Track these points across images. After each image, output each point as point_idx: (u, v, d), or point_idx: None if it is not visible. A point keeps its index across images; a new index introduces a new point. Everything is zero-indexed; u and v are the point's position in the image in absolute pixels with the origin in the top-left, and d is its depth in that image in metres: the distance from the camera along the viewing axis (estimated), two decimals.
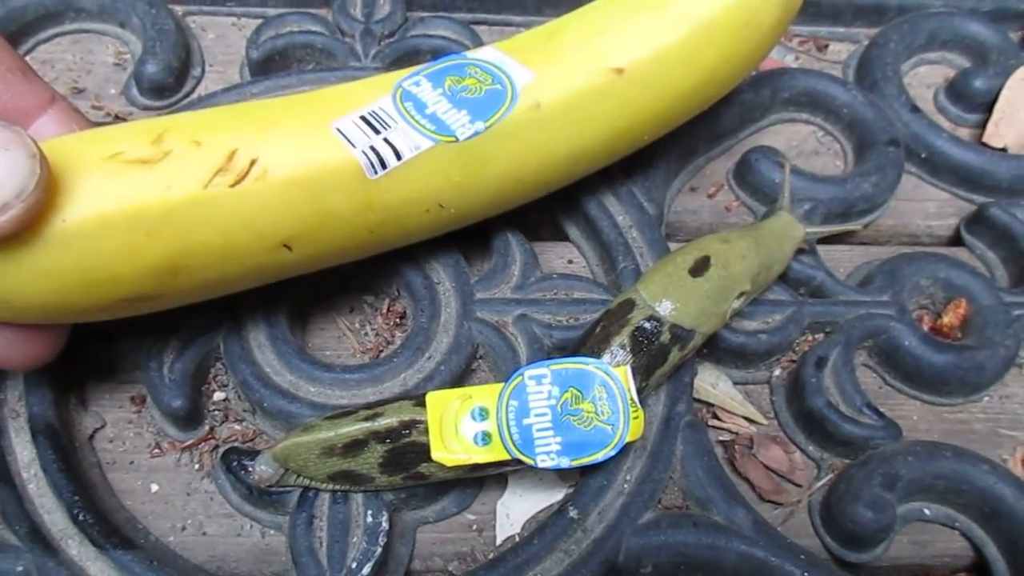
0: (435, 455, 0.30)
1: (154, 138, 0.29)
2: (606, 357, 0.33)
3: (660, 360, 0.33)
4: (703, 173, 0.47)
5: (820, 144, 0.48)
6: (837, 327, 0.39)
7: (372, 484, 0.32)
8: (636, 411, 0.31)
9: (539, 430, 0.30)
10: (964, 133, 0.49)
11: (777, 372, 0.39)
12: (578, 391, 0.31)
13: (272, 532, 0.34)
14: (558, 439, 0.31)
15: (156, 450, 0.35)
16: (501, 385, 0.31)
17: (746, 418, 0.38)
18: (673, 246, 0.41)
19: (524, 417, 0.30)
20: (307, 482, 0.32)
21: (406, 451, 0.31)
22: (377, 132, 0.32)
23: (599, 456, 0.31)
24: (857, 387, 0.37)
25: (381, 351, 0.38)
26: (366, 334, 0.39)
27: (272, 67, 0.47)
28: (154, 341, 0.35)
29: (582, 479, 0.34)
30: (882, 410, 0.37)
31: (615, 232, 0.40)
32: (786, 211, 0.40)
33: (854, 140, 0.47)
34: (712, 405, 0.38)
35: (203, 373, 0.36)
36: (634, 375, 0.32)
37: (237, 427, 0.36)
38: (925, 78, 0.52)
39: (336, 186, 0.31)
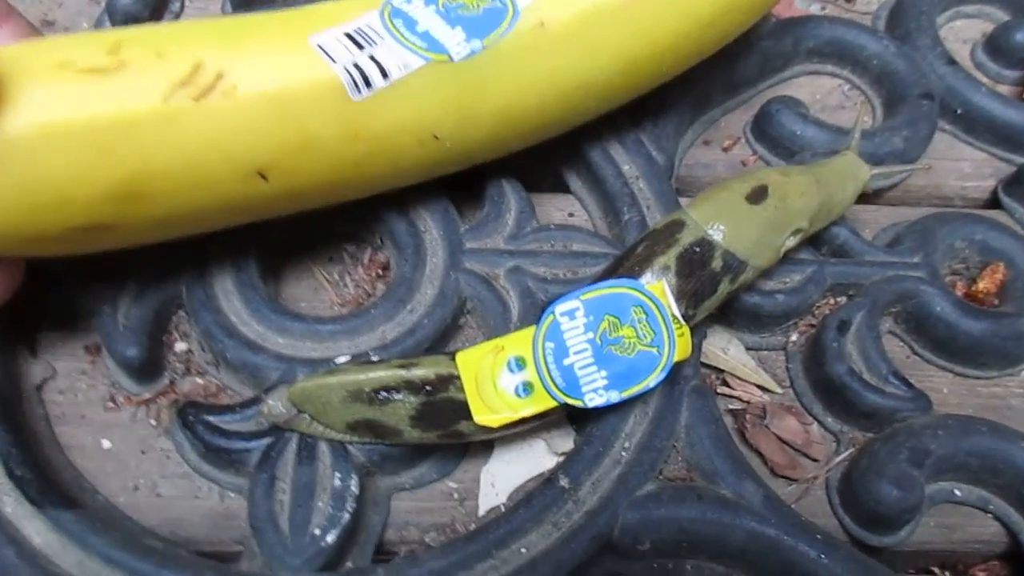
0: (478, 418, 0.28)
1: (110, 47, 0.26)
2: (645, 279, 0.30)
3: (710, 289, 0.30)
4: (718, 126, 0.43)
5: (846, 98, 0.44)
6: (862, 290, 0.35)
7: (399, 438, 0.29)
8: (680, 328, 0.29)
9: (581, 367, 0.28)
10: (1004, 91, 0.45)
11: (794, 337, 0.36)
12: (615, 318, 0.29)
13: (232, 495, 0.30)
14: (603, 373, 0.28)
15: (110, 403, 0.32)
16: (533, 328, 0.29)
17: (759, 386, 0.34)
18: (683, 202, 0.37)
19: (564, 357, 0.28)
20: (321, 430, 0.29)
21: (443, 406, 0.28)
22: (362, 48, 0.28)
23: (650, 382, 0.29)
24: (883, 354, 0.33)
25: (361, 304, 0.35)
26: (345, 285, 0.36)
27: (254, 1, 0.43)
28: (110, 284, 0.32)
29: (576, 446, 0.31)
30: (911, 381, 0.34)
31: (620, 182, 0.37)
32: (852, 151, 0.36)
33: (884, 94, 0.43)
34: (722, 371, 0.35)
35: (163, 321, 0.33)
36: (679, 301, 0.30)
37: (200, 381, 0.33)
38: (961, 32, 0.48)
39: (316, 107, 0.27)
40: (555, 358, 0.28)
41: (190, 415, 0.30)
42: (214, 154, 0.26)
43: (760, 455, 0.33)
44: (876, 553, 0.31)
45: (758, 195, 0.32)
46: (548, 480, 0.30)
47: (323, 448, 0.29)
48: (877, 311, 0.35)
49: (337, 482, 0.29)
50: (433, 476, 0.31)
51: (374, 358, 0.31)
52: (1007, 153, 0.43)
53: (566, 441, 0.32)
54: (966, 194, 0.42)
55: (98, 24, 0.43)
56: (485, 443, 0.32)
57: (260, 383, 0.31)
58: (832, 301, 0.36)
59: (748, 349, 0.36)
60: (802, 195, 0.33)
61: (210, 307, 0.32)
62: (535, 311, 0.33)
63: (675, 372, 0.31)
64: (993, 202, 0.42)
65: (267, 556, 0.27)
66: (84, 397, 0.32)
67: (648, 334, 0.29)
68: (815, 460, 0.33)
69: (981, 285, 0.37)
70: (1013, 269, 0.37)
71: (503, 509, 0.31)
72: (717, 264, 0.31)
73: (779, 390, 0.35)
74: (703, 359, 0.34)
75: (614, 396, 0.29)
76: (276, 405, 0.28)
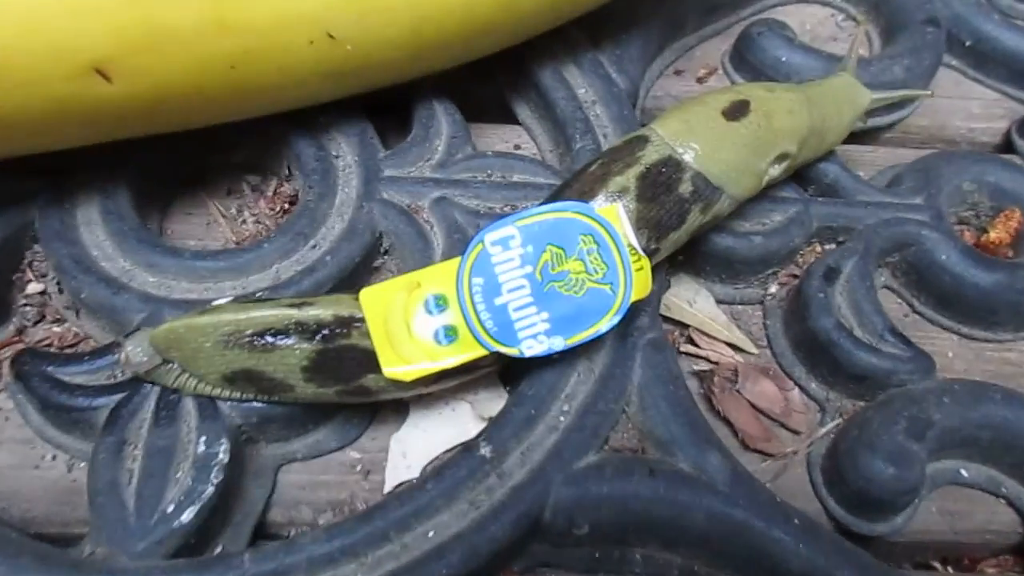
0: (387, 370, 0.23)
1: None
2: (597, 202, 0.24)
3: (677, 218, 0.25)
4: (692, 55, 0.38)
5: (839, 29, 0.39)
6: (854, 234, 0.30)
7: (290, 394, 0.24)
8: (638, 259, 0.24)
9: (517, 308, 0.23)
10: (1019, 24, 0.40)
11: (773, 289, 0.30)
12: (559, 248, 0.24)
13: (82, 465, 0.25)
14: (544, 315, 0.23)
15: None
16: (457, 260, 0.23)
17: (731, 344, 0.29)
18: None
19: (495, 296, 0.23)
20: (191, 383, 0.23)
21: (343, 355, 0.23)
22: None
23: (602, 326, 0.23)
24: (877, 307, 0.28)
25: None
26: (243, 221, 0.30)
27: None
28: None
29: (505, 408, 0.25)
30: None
31: (573, 106, 0.31)
32: (849, 72, 0.31)
33: (882, 22, 0.38)
34: (687, 327, 0.29)
35: (14, 256, 0.28)
36: (639, 231, 0.24)
37: (56, 329, 0.27)
38: None
39: None
40: (484, 296, 0.23)
41: (25, 364, 0.24)
42: (32, 43, 0.21)
43: (729, 425, 0.27)
44: (866, 543, 0.26)
45: (737, 110, 0.27)
46: (467, 448, 0.24)
47: (188, 406, 0.24)
48: (871, 259, 0.29)
49: (202, 447, 0.23)
50: (332, 444, 0.26)
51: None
52: (1021, 92, 0.37)
53: (496, 403, 0.26)
54: (974, 137, 0.37)
55: None
56: (397, 405, 0.26)
57: (123, 328, 0.26)
58: (819, 248, 0.31)
59: (719, 302, 0.30)
60: (789, 113, 0.27)
61: (66, 238, 0.26)
62: (463, 248, 0.28)
63: (628, 322, 0.26)
64: (1005, 146, 0.37)
65: (107, 538, 0.22)
66: None
67: (599, 268, 0.24)
68: (795, 432, 0.28)
69: (993, 234, 0.31)
70: None
71: (415, 484, 0.25)
72: (686, 188, 0.25)
73: (754, 350, 0.29)
74: (665, 312, 0.29)
75: (557, 343, 0.23)
76: (136, 351, 0.23)
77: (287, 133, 0.30)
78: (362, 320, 0.23)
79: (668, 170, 0.25)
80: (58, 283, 0.27)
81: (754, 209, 0.30)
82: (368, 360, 0.23)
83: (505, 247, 0.23)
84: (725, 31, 0.38)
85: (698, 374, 0.29)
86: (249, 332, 0.23)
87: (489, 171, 0.30)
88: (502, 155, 0.30)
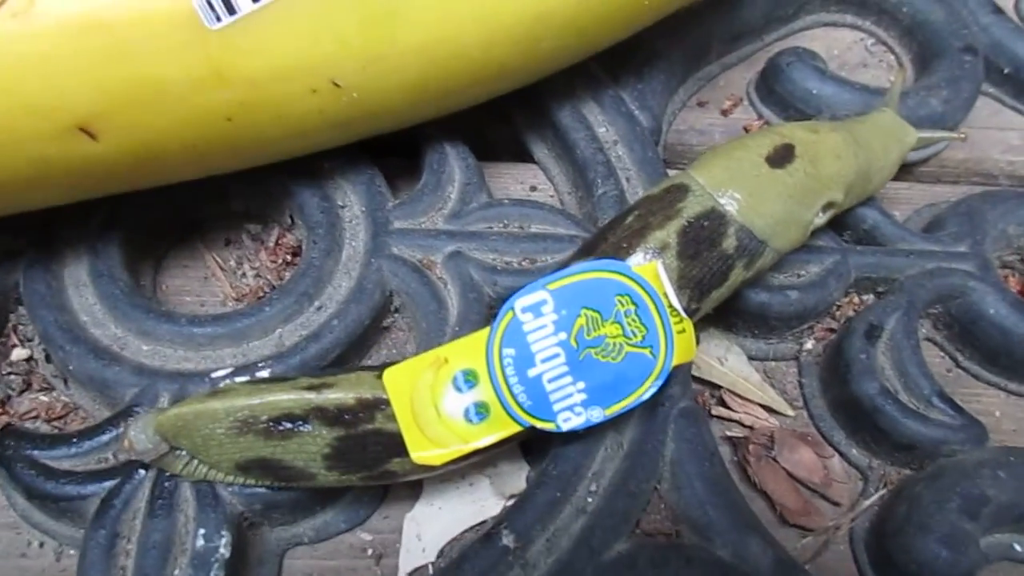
0: (416, 455, 0.21)
1: None
2: (634, 259, 0.23)
3: (720, 276, 0.24)
4: (716, 84, 0.36)
5: (869, 54, 0.37)
6: (895, 285, 0.28)
7: (310, 482, 0.22)
8: (679, 321, 0.22)
9: (552, 379, 0.22)
10: None
11: (809, 344, 0.29)
12: (594, 311, 0.22)
13: (72, 552, 0.23)
14: (580, 384, 0.22)
15: None
16: (486, 332, 0.22)
17: (765, 407, 0.27)
18: (672, 174, 0.30)
19: (528, 367, 0.22)
20: (203, 471, 0.22)
21: (368, 441, 0.21)
22: None
23: (643, 393, 0.22)
24: (924, 369, 0.26)
25: (261, 299, 0.28)
26: (243, 275, 0.28)
27: None
28: None
29: (526, 489, 0.23)
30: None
31: (593, 147, 0.30)
32: (892, 110, 0.29)
33: (916, 48, 0.36)
34: (719, 388, 0.28)
35: None
36: (681, 291, 0.23)
37: (43, 399, 0.25)
38: None
39: (155, 38, 0.20)
40: (517, 369, 0.21)
41: (9, 448, 0.22)
42: (10, 102, 0.19)
43: (767, 497, 0.26)
44: None
45: (782, 156, 0.25)
46: (487, 536, 0.22)
47: (186, 493, 0.22)
48: (915, 314, 0.27)
49: (200, 541, 0.21)
50: (341, 525, 0.24)
51: (264, 372, 0.24)
52: None
53: (518, 478, 0.25)
54: (1014, 171, 0.35)
55: None
56: (411, 484, 0.25)
57: (115, 403, 0.24)
58: (857, 299, 0.29)
59: (752, 359, 0.29)
60: (836, 158, 0.26)
61: (53, 303, 0.25)
62: (482, 309, 0.26)
63: (659, 390, 0.24)
64: None
65: None
66: None
67: (638, 331, 0.22)
68: (836, 504, 0.26)
69: None
70: None
71: (432, 571, 0.23)
72: (730, 244, 0.24)
73: (791, 412, 0.28)
74: (695, 371, 0.27)
75: (596, 414, 0.22)
76: (140, 438, 0.21)
77: (289, 180, 0.28)
78: (386, 402, 0.21)
79: (711, 223, 0.24)
80: (45, 349, 0.26)
81: (788, 260, 0.28)
82: (394, 444, 0.21)
83: (537, 314, 0.22)
84: (750, 58, 0.36)
85: (731, 440, 0.27)
86: (265, 418, 0.21)
87: (506, 221, 0.28)
88: (519, 203, 0.28)
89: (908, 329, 0.27)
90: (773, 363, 0.29)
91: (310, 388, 0.21)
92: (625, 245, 0.23)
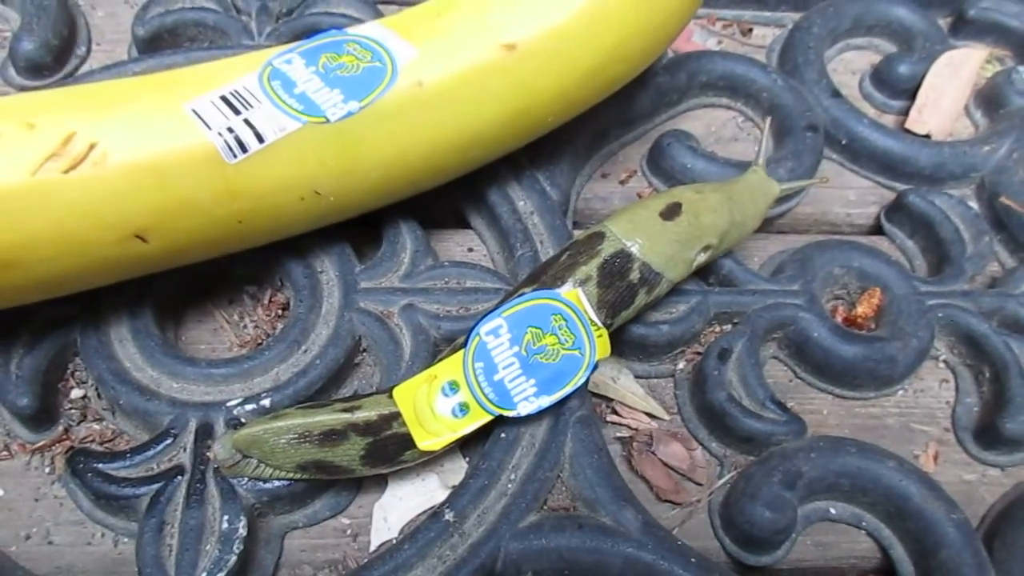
0: (421, 445, 0.30)
1: None
2: (566, 287, 0.32)
3: (628, 300, 0.33)
4: (616, 159, 0.45)
5: (740, 130, 0.46)
6: (744, 317, 0.37)
7: (352, 474, 0.31)
8: (599, 329, 0.31)
9: (511, 380, 0.31)
10: (889, 120, 0.48)
11: (681, 365, 0.37)
12: (537, 328, 0.31)
13: (126, 540, 0.31)
14: (531, 381, 0.31)
15: (4, 452, 0.32)
16: (461, 353, 0.31)
17: (647, 413, 0.36)
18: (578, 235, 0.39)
19: (493, 373, 0.30)
20: (271, 472, 0.30)
21: (389, 443, 0.30)
22: (237, 112, 0.29)
23: (577, 380, 0.31)
24: (761, 380, 0.35)
25: (260, 345, 0.36)
26: (245, 327, 0.36)
27: (161, 46, 0.44)
28: (2, 334, 0.32)
29: (463, 479, 0.32)
30: (792, 404, 0.36)
31: (514, 218, 0.38)
32: (761, 168, 0.38)
33: (774, 125, 0.45)
34: (612, 400, 0.36)
35: (59, 368, 0.33)
36: (599, 311, 0.32)
37: (96, 427, 0.33)
38: (851, 64, 0.51)
39: (190, 172, 0.28)
40: (486, 375, 0.30)
41: (80, 463, 0.30)
42: (87, 222, 0.27)
43: (646, 481, 0.34)
44: (754, 572, 0.32)
45: (672, 211, 0.34)
46: (435, 514, 0.30)
47: (212, 491, 0.30)
48: (757, 338, 0.36)
49: (225, 525, 0.29)
50: (326, 513, 0.32)
51: (266, 402, 0.32)
52: (889, 180, 0.45)
53: (458, 475, 0.33)
54: (852, 220, 0.44)
55: (1, 70, 0.43)
56: (379, 478, 0.33)
57: (153, 428, 0.32)
58: (718, 329, 0.38)
59: (638, 377, 0.37)
60: (713, 212, 0.34)
61: (104, 354, 0.33)
62: (429, 347, 0.34)
63: (562, 403, 0.33)
64: (878, 228, 0.44)
65: None
66: None
67: (569, 338, 0.31)
68: (699, 484, 0.35)
69: (860, 310, 0.39)
70: (888, 294, 0.39)
71: (394, 543, 0.32)
72: (635, 276, 0.32)
73: (666, 417, 0.36)
74: (593, 388, 0.36)
75: (544, 401, 0.31)
76: (221, 451, 0.29)
77: (279, 253, 0.36)
78: (399, 415, 0.30)
79: (621, 261, 0.32)
80: (96, 389, 0.33)
81: (663, 301, 0.36)
82: (406, 442, 0.30)
83: (496, 335, 0.31)
84: (643, 136, 0.45)
85: (621, 440, 0.35)
86: (316, 433, 0.29)
87: (447, 279, 0.36)
88: (456, 264, 0.37)
89: (751, 350, 0.36)
90: (655, 380, 0.37)
91: (345, 410, 0.30)
92: (560, 277, 0.32)
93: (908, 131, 0.46)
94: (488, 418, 0.30)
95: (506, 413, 0.30)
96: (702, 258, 0.35)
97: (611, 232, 0.33)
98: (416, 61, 0.32)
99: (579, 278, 0.32)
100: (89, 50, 0.45)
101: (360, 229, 0.37)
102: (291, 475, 0.30)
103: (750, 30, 0.51)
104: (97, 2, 0.47)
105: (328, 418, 0.29)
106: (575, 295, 0.31)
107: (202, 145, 0.28)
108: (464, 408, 0.30)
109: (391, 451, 0.30)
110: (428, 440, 0.30)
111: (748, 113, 0.47)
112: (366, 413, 0.30)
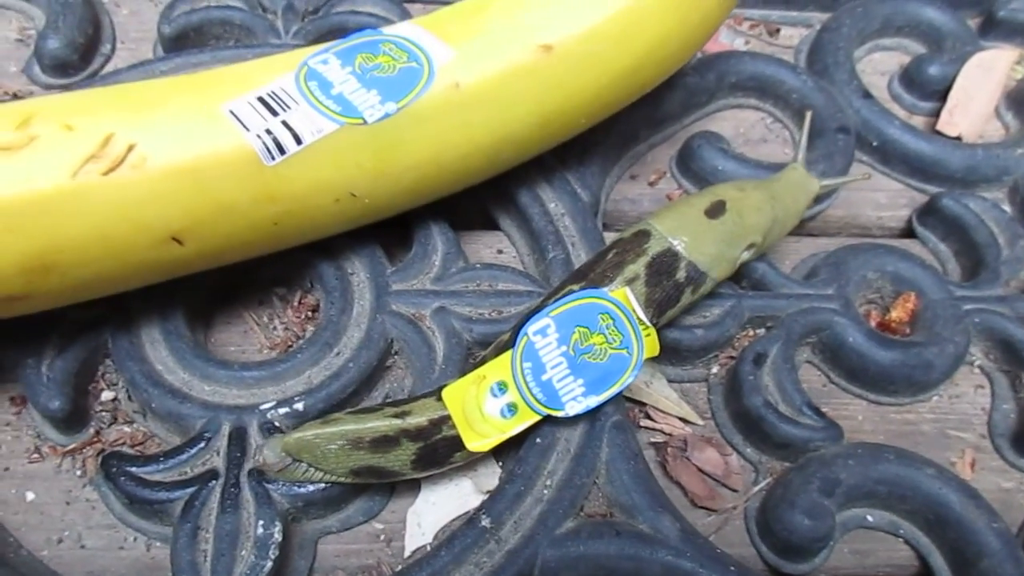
0: (470, 446, 0.29)
1: (20, 122, 0.26)
2: (614, 285, 0.31)
3: (674, 299, 0.32)
4: (644, 160, 0.44)
5: (768, 131, 0.46)
6: (778, 322, 0.37)
7: (403, 478, 0.31)
8: (647, 328, 0.31)
9: (560, 380, 0.30)
10: (919, 121, 0.47)
11: (715, 369, 0.37)
12: (584, 328, 0.31)
13: (158, 544, 0.31)
14: (579, 381, 0.30)
15: (35, 455, 0.32)
16: (509, 353, 0.30)
17: (681, 418, 0.36)
18: (609, 236, 0.39)
19: (541, 373, 0.30)
20: (321, 476, 0.30)
21: (438, 446, 0.30)
22: (275, 114, 0.29)
23: (625, 380, 0.31)
24: (797, 385, 0.35)
25: (290, 346, 0.36)
26: (274, 328, 0.36)
27: (186, 45, 0.44)
28: (34, 336, 0.32)
29: (499, 485, 0.31)
30: (826, 410, 0.35)
31: (545, 220, 0.38)
32: (800, 165, 0.38)
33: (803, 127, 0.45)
34: (645, 405, 0.36)
35: (90, 371, 0.33)
36: (646, 309, 0.31)
37: (127, 429, 0.33)
38: (880, 65, 0.50)
39: (228, 175, 0.28)
40: (534, 376, 0.30)
41: (113, 466, 0.30)
42: (126, 225, 0.27)
43: (681, 487, 0.34)
44: None
45: (716, 210, 0.33)
46: (470, 520, 0.30)
47: (247, 496, 0.30)
48: (792, 342, 0.36)
49: (260, 530, 0.29)
50: (360, 518, 0.32)
51: (299, 405, 0.31)
52: (920, 183, 0.44)
53: (492, 479, 0.33)
54: (883, 223, 0.44)
55: (26, 68, 0.43)
56: (412, 483, 0.32)
57: (186, 431, 0.31)
58: (752, 333, 0.37)
59: (671, 382, 0.37)
60: (757, 210, 0.34)
61: (135, 356, 0.32)
62: (462, 350, 0.34)
63: (597, 408, 0.32)
64: (908, 231, 0.44)
65: None
66: (8, 449, 0.32)
67: (617, 337, 0.31)
68: (734, 490, 0.34)
69: (894, 314, 0.38)
70: (924, 298, 0.38)
71: (429, 549, 0.31)
72: (681, 275, 0.32)
73: (700, 422, 0.36)
74: (627, 392, 0.35)
75: (592, 401, 0.30)
76: (270, 455, 0.29)
77: (309, 255, 0.35)
78: (448, 418, 0.29)
79: (668, 259, 0.32)
80: (127, 390, 0.33)
81: (697, 305, 0.36)
82: (456, 444, 0.30)
83: (544, 335, 0.31)
84: (672, 138, 0.45)
85: (655, 445, 0.35)
86: (368, 438, 0.29)
87: (479, 281, 0.36)
88: (487, 266, 0.36)
89: (786, 355, 0.35)
90: (688, 384, 0.37)
91: (396, 416, 0.29)
92: (608, 275, 0.32)
93: (939, 133, 0.46)
94: (536, 418, 0.30)
95: (554, 413, 0.30)
96: (745, 256, 0.35)
97: (656, 230, 0.33)
98: (453, 62, 0.32)
99: (627, 276, 0.32)
100: (114, 48, 0.45)
101: (389, 230, 0.37)
102: (343, 479, 0.30)
103: (777, 30, 0.51)
104: (121, 0, 0.47)
105: (380, 424, 0.29)
106: (623, 294, 0.31)
107: (240, 147, 0.28)
108: (512, 408, 0.30)
109: (441, 454, 0.30)
110: (477, 441, 0.29)
111: (777, 114, 0.46)
112: (417, 419, 0.29)
